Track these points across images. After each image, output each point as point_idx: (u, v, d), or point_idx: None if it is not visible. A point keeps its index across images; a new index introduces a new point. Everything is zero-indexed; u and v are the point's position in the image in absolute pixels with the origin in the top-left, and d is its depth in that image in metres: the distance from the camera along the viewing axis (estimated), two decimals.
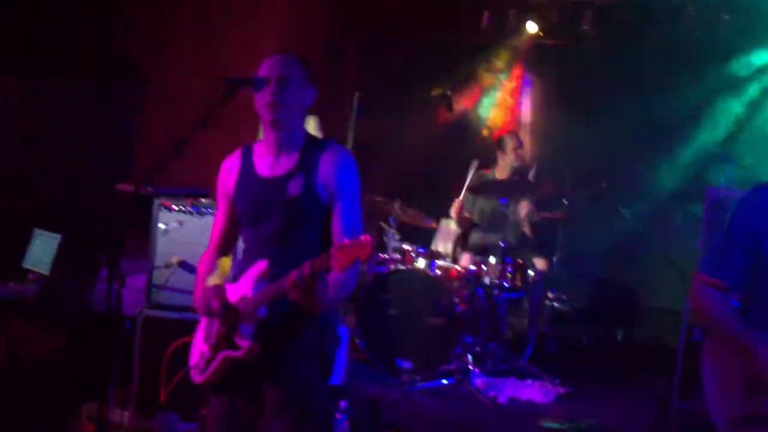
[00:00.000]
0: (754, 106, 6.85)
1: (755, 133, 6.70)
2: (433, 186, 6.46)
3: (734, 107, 6.78)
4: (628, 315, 6.28)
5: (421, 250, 5.61)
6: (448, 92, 5.79)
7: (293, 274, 2.37)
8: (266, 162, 2.70)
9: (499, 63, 7.51)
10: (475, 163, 5.85)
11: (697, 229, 4.85)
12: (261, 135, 2.79)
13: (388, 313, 5.26)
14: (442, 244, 6.60)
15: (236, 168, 2.75)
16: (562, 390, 5.10)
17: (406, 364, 5.15)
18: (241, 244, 2.82)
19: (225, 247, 2.87)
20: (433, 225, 6.27)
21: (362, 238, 2.27)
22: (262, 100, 2.61)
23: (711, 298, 2.68)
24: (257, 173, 2.69)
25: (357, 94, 5.58)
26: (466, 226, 6.04)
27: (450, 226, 6.42)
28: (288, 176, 2.63)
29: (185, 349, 2.79)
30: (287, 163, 2.66)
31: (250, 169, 2.71)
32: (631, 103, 6.67)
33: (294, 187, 2.60)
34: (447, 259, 5.68)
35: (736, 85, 6.78)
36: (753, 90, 6.86)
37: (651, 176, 6.71)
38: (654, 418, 4.91)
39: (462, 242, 6.18)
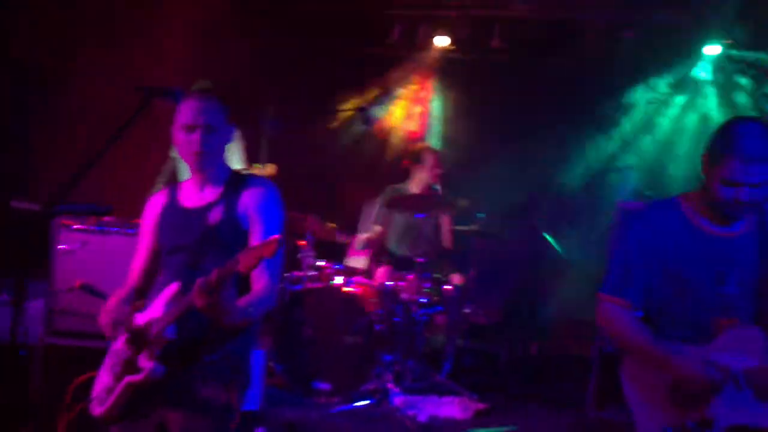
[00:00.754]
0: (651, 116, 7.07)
1: (660, 139, 6.92)
2: (348, 199, 6.36)
3: (628, 124, 6.99)
4: (543, 327, 6.35)
5: (337, 267, 5.49)
6: (366, 106, 5.71)
7: (199, 280, 2.33)
8: (190, 194, 2.76)
9: (411, 75, 7.50)
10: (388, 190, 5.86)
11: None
12: (173, 152, 2.70)
13: (305, 333, 5.11)
14: (356, 260, 6.52)
15: (161, 202, 2.80)
16: (481, 406, 5.08)
17: (324, 386, 5.00)
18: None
19: (143, 286, 2.80)
20: (348, 240, 6.16)
21: (270, 237, 2.27)
22: (189, 147, 2.66)
23: (618, 316, 2.73)
24: (180, 204, 2.75)
25: (270, 107, 5.46)
26: (379, 246, 6.01)
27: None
28: (209, 206, 2.68)
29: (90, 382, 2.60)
30: (211, 194, 2.72)
31: (174, 202, 2.77)
32: (536, 114, 6.78)
33: (214, 215, 2.65)
34: (363, 276, 5.59)
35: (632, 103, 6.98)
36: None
37: (560, 185, 6.81)
38: (571, 429, 4.95)
39: (377, 258, 6.10)
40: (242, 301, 2.49)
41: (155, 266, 2.79)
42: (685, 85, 6.87)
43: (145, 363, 2.44)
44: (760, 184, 2.47)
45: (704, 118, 6.79)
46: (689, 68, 6.82)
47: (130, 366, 2.48)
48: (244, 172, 2.90)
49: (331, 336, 5.08)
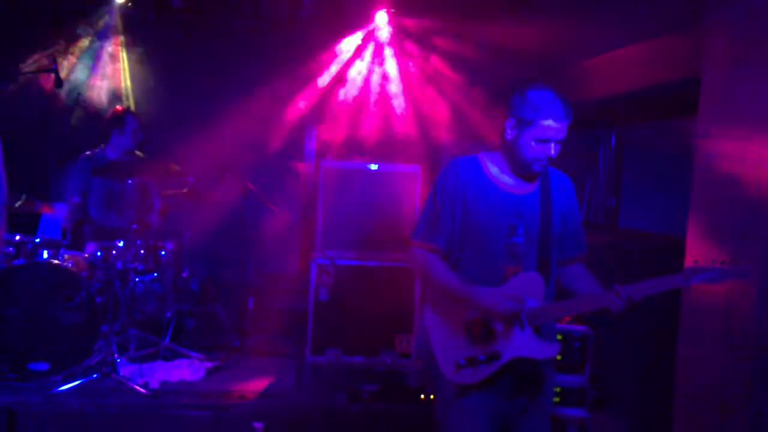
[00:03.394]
0: None
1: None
2: (41, 167, 5.89)
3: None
4: (258, 284, 6.58)
5: (38, 240, 5.10)
6: (54, 65, 5.28)
7: None
8: None
9: (95, 31, 7.04)
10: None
11: None
12: None
13: (13, 313, 4.71)
14: (54, 231, 6.10)
15: None
16: (210, 364, 5.18)
17: (42, 366, 4.69)
18: None
19: None
20: (44, 210, 5.72)
21: None
22: None
23: (427, 260, 3.07)
24: None
25: None
26: (79, 216, 5.71)
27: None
28: None
29: None
30: None
31: None
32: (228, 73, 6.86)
33: None
34: (68, 248, 5.28)
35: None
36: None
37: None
38: (294, 374, 5.29)
39: (79, 228, 5.78)
40: None
41: None
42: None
43: None
44: (562, 141, 2.92)
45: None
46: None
47: None
48: None
49: (46, 313, 4.76)
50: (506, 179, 3.04)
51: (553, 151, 2.93)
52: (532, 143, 2.91)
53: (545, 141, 2.91)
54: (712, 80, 3.73)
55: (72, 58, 6.80)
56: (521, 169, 3.01)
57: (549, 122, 2.87)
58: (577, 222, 3.17)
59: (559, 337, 4.20)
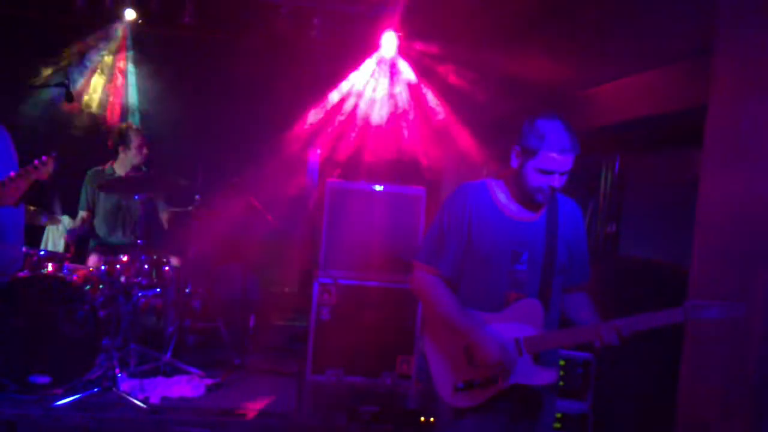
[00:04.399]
0: None
1: None
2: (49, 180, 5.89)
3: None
4: (260, 302, 6.58)
5: (43, 253, 5.13)
6: (65, 81, 5.34)
7: None
8: None
9: (104, 47, 7.12)
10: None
11: None
12: None
13: (16, 325, 4.72)
14: (53, 245, 6.13)
15: None
16: (210, 381, 5.18)
17: (43, 380, 4.70)
18: None
19: None
20: (51, 224, 5.74)
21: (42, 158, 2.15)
22: None
23: (429, 283, 3.08)
24: None
25: None
26: (85, 231, 5.75)
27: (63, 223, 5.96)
28: None
29: None
30: None
31: None
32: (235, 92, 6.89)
33: None
34: (72, 262, 5.30)
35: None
36: None
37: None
38: (294, 393, 5.29)
39: (84, 243, 5.82)
40: None
41: None
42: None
43: None
44: (567, 172, 2.90)
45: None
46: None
47: None
48: None
49: (48, 326, 4.77)
50: (512, 206, 3.04)
51: (557, 183, 2.92)
52: (536, 173, 2.91)
53: (549, 172, 2.89)
54: (720, 110, 3.76)
55: (83, 73, 6.85)
56: (525, 197, 3.01)
57: (553, 154, 2.85)
58: (583, 250, 3.17)
59: (561, 362, 4.21)
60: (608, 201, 6.23)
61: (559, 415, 4.24)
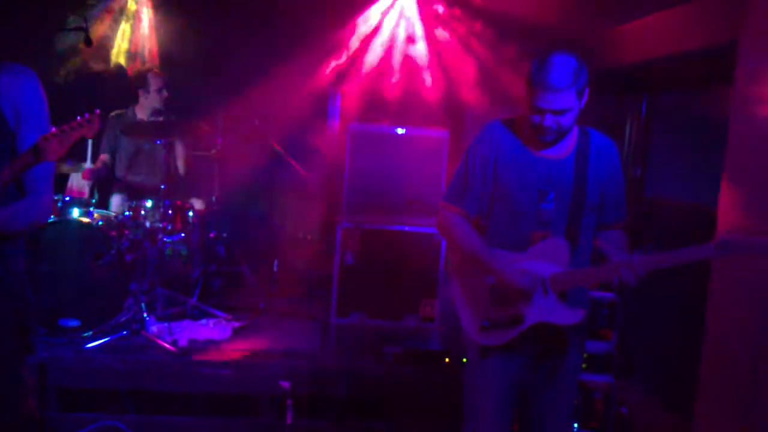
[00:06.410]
0: None
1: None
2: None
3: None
4: (283, 246, 6.62)
5: (68, 199, 5.16)
6: (84, 24, 5.29)
7: None
8: None
9: None
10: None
11: None
12: None
13: (44, 270, 4.78)
14: (78, 189, 6.15)
15: None
16: (237, 324, 5.24)
17: (73, 323, 4.77)
18: None
19: None
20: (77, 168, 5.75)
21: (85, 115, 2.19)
22: None
23: (454, 222, 3.06)
24: None
25: None
26: (105, 175, 5.76)
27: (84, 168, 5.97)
28: None
29: None
30: None
31: None
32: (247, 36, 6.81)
33: None
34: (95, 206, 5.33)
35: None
36: None
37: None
38: (319, 336, 5.34)
39: (106, 187, 5.84)
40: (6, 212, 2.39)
41: None
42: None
43: None
44: (563, 111, 2.78)
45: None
46: None
47: None
48: None
49: (77, 271, 4.83)
50: (539, 143, 2.96)
51: (549, 122, 2.82)
52: (532, 111, 2.83)
53: (539, 110, 2.81)
54: (751, 46, 3.66)
55: (101, 17, 6.77)
56: (532, 134, 2.93)
57: (539, 91, 2.76)
58: (618, 189, 3.07)
59: None
60: (634, 144, 6.14)
61: (584, 355, 4.25)
